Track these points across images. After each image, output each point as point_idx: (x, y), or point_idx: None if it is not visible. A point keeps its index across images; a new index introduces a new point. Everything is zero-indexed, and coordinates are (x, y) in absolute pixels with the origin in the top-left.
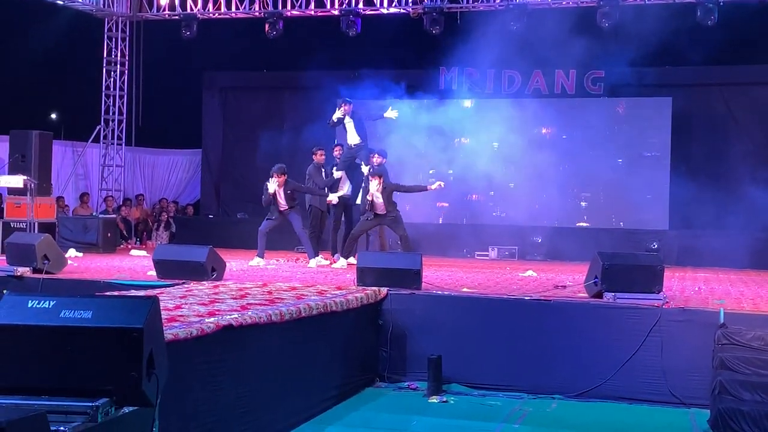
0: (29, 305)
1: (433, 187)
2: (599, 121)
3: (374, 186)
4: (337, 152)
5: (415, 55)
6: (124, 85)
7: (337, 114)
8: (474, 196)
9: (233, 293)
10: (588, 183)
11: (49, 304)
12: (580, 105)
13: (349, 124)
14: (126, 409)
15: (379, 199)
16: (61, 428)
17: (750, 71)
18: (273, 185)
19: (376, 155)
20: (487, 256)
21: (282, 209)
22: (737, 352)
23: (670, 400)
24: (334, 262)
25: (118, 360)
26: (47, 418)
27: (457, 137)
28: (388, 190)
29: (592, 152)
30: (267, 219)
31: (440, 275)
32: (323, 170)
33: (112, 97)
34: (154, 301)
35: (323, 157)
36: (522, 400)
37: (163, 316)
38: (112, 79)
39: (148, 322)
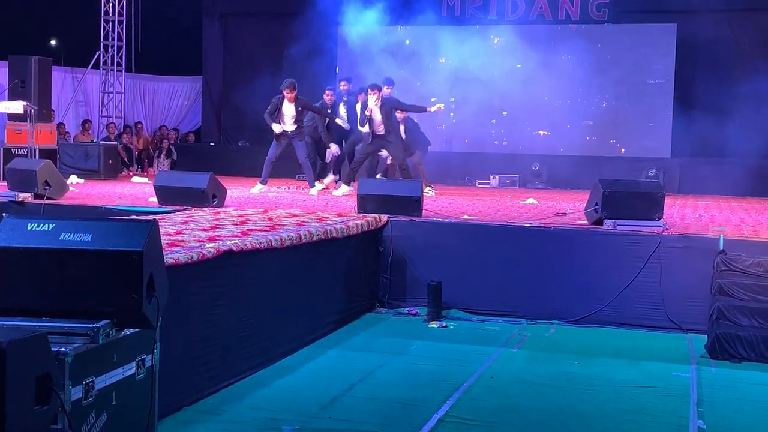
0: (29, 228)
1: (433, 109)
2: (603, 48)
3: (372, 101)
4: (343, 87)
5: None
6: (123, 10)
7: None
8: (475, 123)
9: (234, 219)
10: (591, 110)
11: (48, 227)
12: (584, 31)
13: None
14: (127, 331)
15: (377, 116)
16: (62, 349)
17: None
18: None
19: (384, 87)
20: (488, 184)
21: (288, 131)
22: (736, 278)
23: (669, 325)
24: (336, 188)
25: (118, 283)
26: (48, 339)
27: (459, 64)
28: (386, 106)
29: (595, 79)
30: (273, 147)
31: (441, 203)
32: (329, 111)
33: (111, 23)
34: (154, 224)
35: (332, 97)
36: (521, 326)
37: (163, 242)
38: (111, 4)
39: (147, 245)
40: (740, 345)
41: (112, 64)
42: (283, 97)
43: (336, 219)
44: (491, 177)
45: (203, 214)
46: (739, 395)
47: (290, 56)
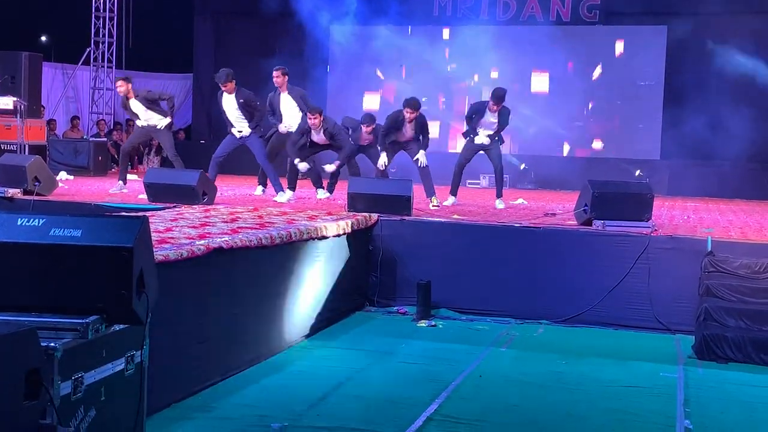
0: (19, 223)
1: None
2: (593, 49)
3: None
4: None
5: None
6: (113, 6)
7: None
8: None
9: (224, 217)
10: (580, 112)
11: (38, 222)
12: (574, 32)
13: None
14: (117, 327)
15: (320, 134)
16: (52, 344)
17: (746, 0)
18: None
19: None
20: (478, 184)
21: (239, 131)
22: (724, 279)
23: (656, 326)
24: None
25: (108, 278)
26: (37, 334)
27: (450, 64)
28: (331, 127)
29: (585, 80)
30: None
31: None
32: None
33: (102, 19)
34: (144, 220)
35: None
36: (509, 325)
37: (153, 239)
38: (101, 1)
39: (137, 241)
40: (727, 346)
41: (103, 60)
42: (222, 91)
43: (326, 217)
44: (481, 177)
45: (193, 212)
46: (725, 396)
47: (281, 55)
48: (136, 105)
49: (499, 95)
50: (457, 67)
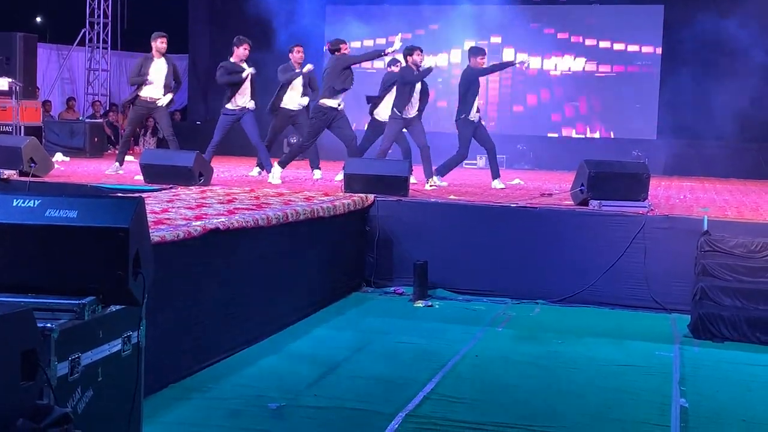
0: (14, 204)
1: (396, 46)
2: (590, 29)
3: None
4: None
5: None
6: None
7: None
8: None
9: (220, 198)
10: (577, 92)
11: (34, 203)
12: (571, 11)
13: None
14: (113, 308)
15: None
16: (48, 325)
17: None
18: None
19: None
20: (475, 164)
21: (156, 100)
22: (720, 258)
23: (652, 305)
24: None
25: (104, 259)
26: (34, 314)
27: (448, 43)
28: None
29: (581, 60)
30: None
31: None
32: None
33: (97, 0)
34: (140, 201)
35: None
36: (506, 305)
37: (150, 220)
38: None
39: (134, 222)
40: (723, 325)
41: (98, 41)
42: (151, 56)
43: (323, 198)
44: (478, 157)
45: (189, 193)
46: (721, 374)
47: (278, 32)
48: (161, 66)
49: (478, 49)
50: (453, 47)
